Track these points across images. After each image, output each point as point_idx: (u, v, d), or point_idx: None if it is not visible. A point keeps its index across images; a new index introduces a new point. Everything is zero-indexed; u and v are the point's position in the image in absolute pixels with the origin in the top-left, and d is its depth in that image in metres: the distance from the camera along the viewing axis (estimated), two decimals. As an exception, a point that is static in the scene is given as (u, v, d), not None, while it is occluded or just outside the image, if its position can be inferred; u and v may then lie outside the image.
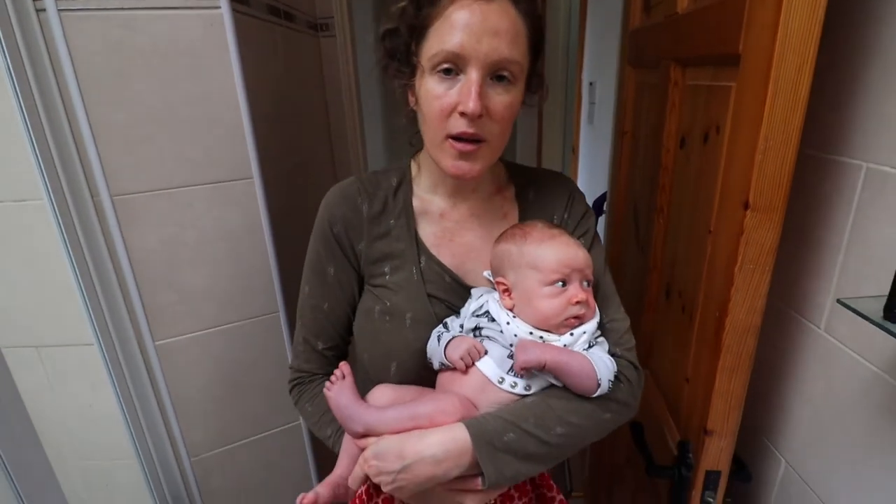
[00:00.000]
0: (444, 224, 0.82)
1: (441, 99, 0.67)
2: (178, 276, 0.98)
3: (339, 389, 0.73)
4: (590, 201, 2.38)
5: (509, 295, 0.74)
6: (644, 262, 1.20)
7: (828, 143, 0.78)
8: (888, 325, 0.56)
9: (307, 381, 0.86)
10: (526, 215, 0.83)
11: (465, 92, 0.65)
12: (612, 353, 0.74)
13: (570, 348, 0.71)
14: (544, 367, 0.68)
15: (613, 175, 1.59)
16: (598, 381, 0.68)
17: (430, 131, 0.71)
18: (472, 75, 0.65)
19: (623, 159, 1.48)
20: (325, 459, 1.35)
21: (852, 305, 0.61)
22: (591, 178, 2.68)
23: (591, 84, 2.53)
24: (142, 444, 1.02)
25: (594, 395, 0.69)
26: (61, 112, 0.83)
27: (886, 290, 0.64)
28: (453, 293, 0.80)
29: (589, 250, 0.78)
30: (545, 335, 0.71)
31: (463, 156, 0.70)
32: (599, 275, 0.80)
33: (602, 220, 2.10)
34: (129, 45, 0.84)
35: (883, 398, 0.71)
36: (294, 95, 1.27)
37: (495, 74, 0.67)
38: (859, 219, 0.74)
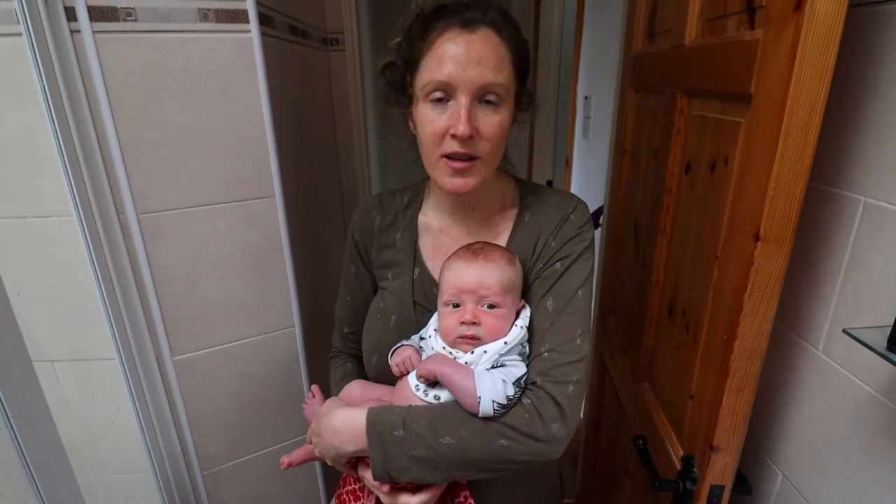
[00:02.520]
0: (441, 239, 0.89)
1: (434, 123, 0.73)
2: (199, 293, 1.00)
3: (311, 407, 0.93)
4: (586, 215, 2.39)
5: None
6: (645, 278, 1.24)
7: (829, 176, 0.83)
8: (891, 355, 0.60)
9: (336, 357, 1.00)
10: (515, 236, 0.87)
11: (455, 116, 0.72)
12: (532, 383, 0.74)
13: (471, 366, 0.74)
14: (434, 376, 0.74)
15: (612, 192, 1.63)
16: (476, 397, 0.69)
17: (427, 153, 0.77)
18: (461, 100, 0.71)
19: (622, 177, 1.52)
20: (333, 471, 1.37)
21: (857, 336, 0.65)
22: (585, 192, 2.73)
23: (586, 98, 2.58)
24: (157, 458, 1.03)
25: (479, 415, 0.71)
26: (92, 131, 0.85)
27: (883, 318, 0.69)
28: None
29: (561, 275, 0.80)
30: (454, 352, 0.76)
31: (457, 173, 0.75)
32: (563, 301, 0.79)
33: (598, 232, 2.15)
34: (160, 67, 0.85)
35: (877, 418, 0.75)
36: (308, 111, 1.29)
37: (483, 98, 0.73)
38: (857, 249, 0.78)
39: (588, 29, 2.55)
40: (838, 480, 0.83)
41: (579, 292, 0.80)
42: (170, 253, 0.95)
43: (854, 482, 0.80)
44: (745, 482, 0.97)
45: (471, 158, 0.74)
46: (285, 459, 0.91)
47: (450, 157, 0.74)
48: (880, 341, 0.63)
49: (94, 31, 0.80)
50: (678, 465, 0.99)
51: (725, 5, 0.86)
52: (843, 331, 0.68)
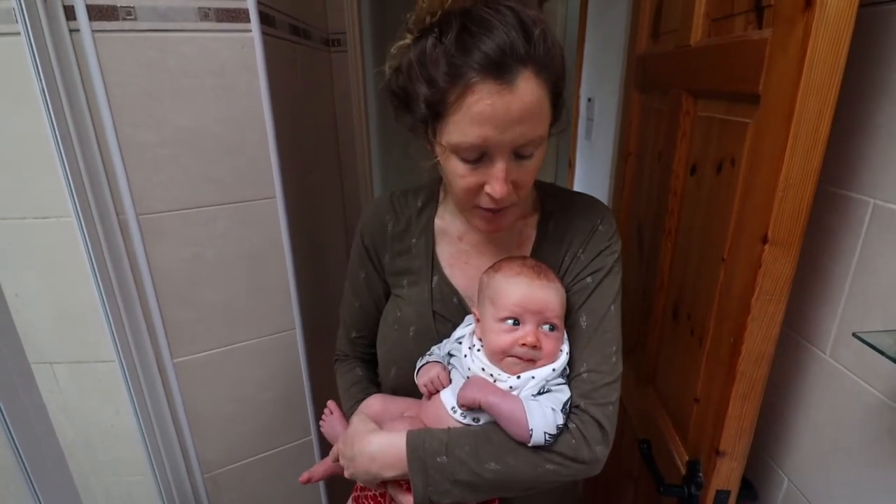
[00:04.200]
0: (460, 246, 0.85)
1: (466, 178, 0.67)
2: (199, 294, 0.99)
3: (330, 424, 0.91)
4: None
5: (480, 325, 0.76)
6: (650, 282, 1.23)
7: (838, 177, 0.82)
8: (904, 360, 0.59)
9: (342, 360, 0.97)
10: (541, 245, 0.83)
11: (491, 177, 0.66)
12: (576, 406, 0.72)
13: (515, 391, 0.71)
14: (478, 406, 0.70)
15: (616, 194, 1.62)
16: (528, 430, 0.67)
17: (458, 200, 0.72)
18: (498, 164, 0.65)
19: (626, 180, 1.51)
20: (334, 475, 1.36)
21: (867, 339, 0.64)
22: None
23: (589, 100, 2.57)
24: (157, 461, 1.02)
25: (530, 445, 0.68)
26: (91, 131, 0.84)
27: (893, 321, 0.68)
28: (458, 314, 0.83)
29: (593, 290, 0.78)
30: (496, 373, 0.72)
31: (492, 219, 0.73)
32: (597, 318, 0.77)
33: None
34: (160, 67, 0.85)
35: (886, 423, 0.74)
36: (309, 112, 1.28)
37: (520, 151, 0.66)
38: (866, 252, 0.77)
39: (591, 30, 2.54)
40: (845, 486, 0.82)
41: (612, 308, 0.78)
42: (170, 254, 0.94)
43: (861, 488, 0.79)
44: (751, 487, 0.96)
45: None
46: (305, 475, 0.90)
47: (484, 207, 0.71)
48: (891, 345, 0.62)
49: (93, 31, 0.79)
50: (683, 470, 0.98)
51: (732, 5, 0.85)
52: (853, 335, 0.67)
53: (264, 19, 0.93)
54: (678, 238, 1.08)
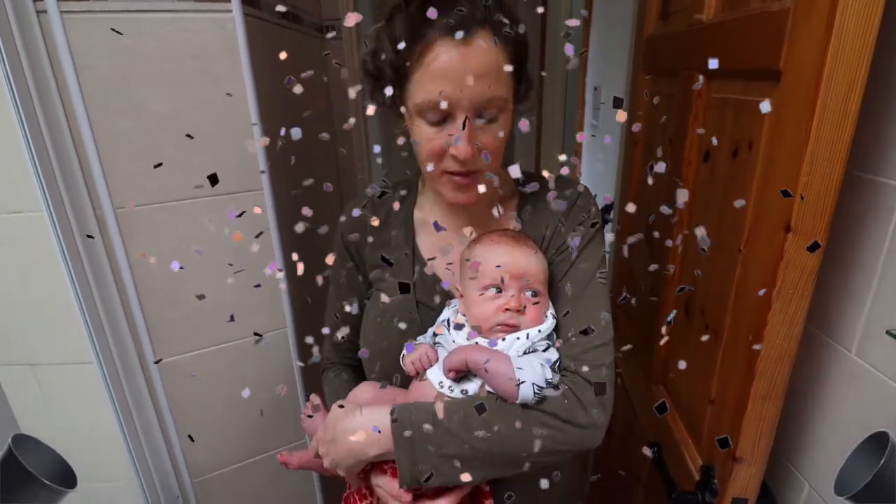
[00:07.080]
0: (441, 235, 0.84)
1: (432, 141, 0.68)
2: (184, 292, 0.94)
3: (312, 420, 0.86)
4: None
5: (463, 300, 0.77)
6: (660, 275, 1.17)
7: (865, 161, 0.76)
8: (947, 360, 0.53)
9: (328, 367, 0.95)
10: (521, 226, 0.83)
11: (454, 137, 0.67)
12: (565, 368, 0.72)
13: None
14: (466, 366, 0.68)
15: (624, 184, 1.57)
16: (516, 382, 0.66)
17: (426, 167, 0.72)
18: (459, 121, 0.66)
19: (635, 169, 1.45)
20: (330, 478, 1.32)
21: (905, 338, 0.58)
22: (594, 185, 2.65)
23: (595, 88, 2.51)
24: (142, 466, 0.98)
25: (518, 401, 0.67)
26: (62, 120, 0.79)
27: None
28: (441, 303, 0.83)
29: (576, 258, 0.79)
30: (481, 341, 0.71)
31: (461, 187, 0.72)
32: (582, 285, 0.78)
33: (609, 227, 2.08)
34: (135, 49, 0.80)
35: (919, 425, 0.69)
36: (302, 100, 1.23)
37: (482, 113, 0.68)
38: (896, 242, 0.72)
39: (597, 16, 2.48)
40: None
41: (596, 274, 0.78)
42: (151, 250, 0.90)
43: (893, 497, 0.73)
44: (770, 493, 0.91)
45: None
46: (282, 456, 0.87)
47: (452, 172, 0.71)
48: (931, 344, 0.56)
49: (61, 12, 0.75)
50: (696, 475, 0.93)
51: (749, -26, 0.79)
52: (888, 332, 0.61)
53: (247, -1, 0.88)
54: (690, 229, 1.03)
